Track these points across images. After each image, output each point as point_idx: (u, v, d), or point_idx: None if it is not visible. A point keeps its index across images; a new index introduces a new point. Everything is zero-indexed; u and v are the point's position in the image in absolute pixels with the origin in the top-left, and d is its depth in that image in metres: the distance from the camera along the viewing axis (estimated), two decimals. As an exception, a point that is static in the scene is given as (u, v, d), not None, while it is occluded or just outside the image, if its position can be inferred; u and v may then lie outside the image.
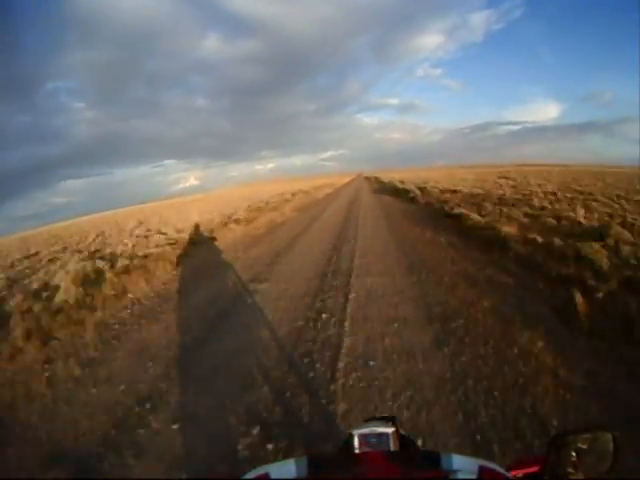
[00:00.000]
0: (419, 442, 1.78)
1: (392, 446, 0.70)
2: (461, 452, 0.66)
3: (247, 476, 0.62)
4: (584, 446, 0.62)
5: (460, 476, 0.55)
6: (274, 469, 0.62)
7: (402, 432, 0.76)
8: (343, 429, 2.01)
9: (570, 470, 0.62)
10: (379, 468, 0.64)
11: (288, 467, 0.62)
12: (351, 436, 0.71)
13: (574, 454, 0.62)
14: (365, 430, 0.71)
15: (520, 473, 0.67)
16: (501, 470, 0.62)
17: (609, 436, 0.64)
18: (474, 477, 0.56)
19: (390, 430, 0.71)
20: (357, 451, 0.69)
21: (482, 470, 0.58)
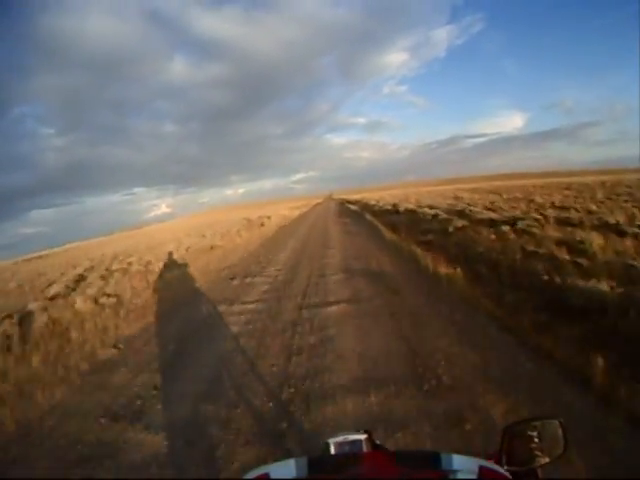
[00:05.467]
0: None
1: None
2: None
3: (247, 476, 0.64)
4: (534, 434, 0.68)
5: (460, 476, 0.56)
6: (274, 469, 0.64)
7: (376, 442, 0.76)
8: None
9: (525, 458, 0.66)
10: (379, 468, 0.65)
11: (288, 467, 0.63)
12: (327, 445, 0.71)
13: (526, 443, 0.67)
14: (339, 438, 0.72)
15: None
16: (501, 470, 0.63)
17: (556, 423, 0.69)
18: (474, 477, 0.58)
19: (363, 437, 0.71)
20: None
21: (482, 470, 0.60)
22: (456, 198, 22.81)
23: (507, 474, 0.63)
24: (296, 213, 30.90)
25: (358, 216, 19.27)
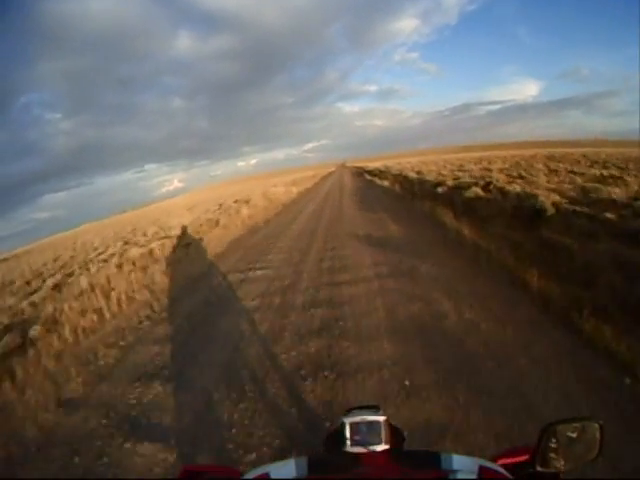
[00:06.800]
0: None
1: (383, 435, 0.68)
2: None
3: (247, 476, 0.62)
4: (573, 435, 0.64)
5: (460, 476, 0.55)
6: (274, 469, 0.62)
7: (391, 423, 0.74)
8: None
9: (560, 458, 0.63)
10: (379, 468, 0.64)
11: (288, 467, 0.62)
12: (342, 425, 0.69)
13: (564, 443, 0.63)
14: (357, 419, 0.69)
15: (509, 462, 0.66)
16: (501, 470, 0.62)
17: (596, 426, 0.65)
18: (474, 477, 0.56)
19: (382, 418, 0.69)
20: (348, 440, 0.68)
21: (482, 470, 0.59)
22: (576, 174, 12.46)
23: (507, 474, 0.61)
24: (294, 192, 20.84)
25: (425, 216, 7.82)
